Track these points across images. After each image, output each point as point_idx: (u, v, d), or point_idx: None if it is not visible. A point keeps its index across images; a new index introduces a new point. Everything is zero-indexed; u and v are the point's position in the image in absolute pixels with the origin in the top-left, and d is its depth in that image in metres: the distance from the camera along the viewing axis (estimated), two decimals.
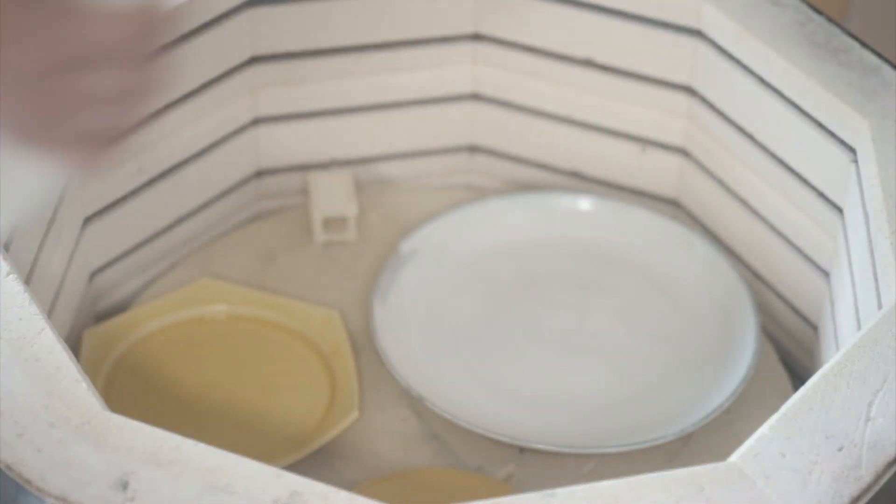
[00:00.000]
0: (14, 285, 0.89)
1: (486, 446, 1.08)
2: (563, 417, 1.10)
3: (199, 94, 1.17)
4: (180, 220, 1.21)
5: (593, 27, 1.19)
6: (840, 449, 0.80)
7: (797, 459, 0.80)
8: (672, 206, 1.25)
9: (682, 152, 1.22)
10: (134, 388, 1.09)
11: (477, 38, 1.24)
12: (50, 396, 0.82)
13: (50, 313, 1.04)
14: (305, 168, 1.27)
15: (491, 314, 1.17)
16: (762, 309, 1.19)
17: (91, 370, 1.07)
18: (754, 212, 1.17)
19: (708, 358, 1.14)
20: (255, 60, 1.20)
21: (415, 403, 1.11)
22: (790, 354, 1.18)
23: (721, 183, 1.20)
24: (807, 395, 0.83)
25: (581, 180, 1.27)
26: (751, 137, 1.15)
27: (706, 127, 1.19)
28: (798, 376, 1.17)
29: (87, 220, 1.13)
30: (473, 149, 1.30)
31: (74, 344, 1.11)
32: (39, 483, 0.77)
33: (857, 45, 1.10)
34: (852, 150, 1.05)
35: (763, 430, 0.81)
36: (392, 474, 1.06)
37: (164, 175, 1.18)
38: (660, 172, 1.24)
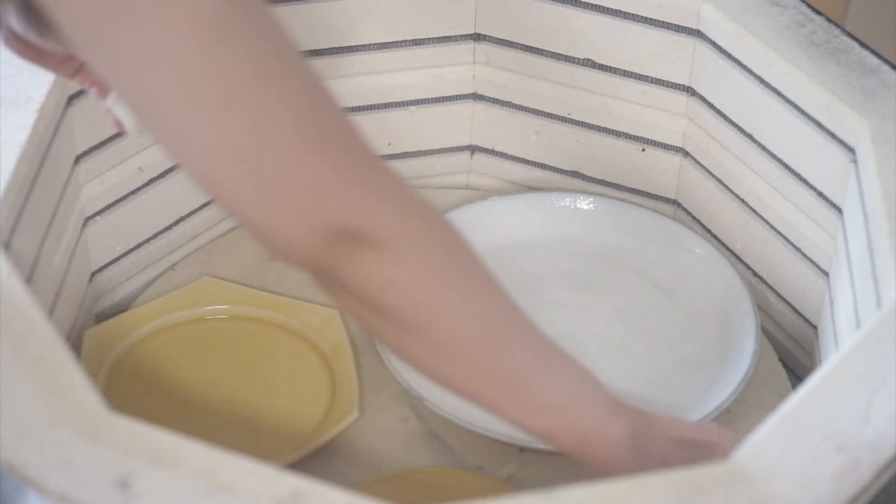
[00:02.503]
0: (15, 285, 0.89)
1: (486, 446, 1.08)
2: None
3: None
4: (180, 220, 1.21)
5: (593, 27, 1.19)
6: (840, 449, 0.80)
7: (797, 459, 0.80)
8: (672, 206, 1.25)
9: (682, 152, 1.22)
10: (134, 388, 1.09)
11: (477, 38, 1.24)
12: (50, 396, 0.82)
13: (50, 313, 1.04)
14: None
15: None
16: (762, 309, 1.19)
17: (91, 370, 1.07)
18: (754, 212, 1.17)
19: (708, 358, 1.14)
20: None
21: (415, 403, 1.11)
22: (790, 354, 1.18)
23: (721, 183, 1.20)
24: (807, 395, 0.83)
25: (581, 180, 1.27)
26: (750, 137, 1.15)
27: (706, 127, 1.19)
28: (798, 376, 1.17)
29: (88, 220, 1.13)
30: (473, 149, 1.30)
31: (75, 344, 1.11)
32: (40, 483, 0.77)
33: (856, 46, 1.10)
34: (851, 151, 1.05)
35: (763, 430, 0.81)
36: (392, 474, 1.06)
37: (164, 175, 1.18)
38: (660, 172, 1.24)
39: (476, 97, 1.27)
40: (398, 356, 0.88)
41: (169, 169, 1.18)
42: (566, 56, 1.22)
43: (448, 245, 0.84)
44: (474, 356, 0.86)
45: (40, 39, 0.86)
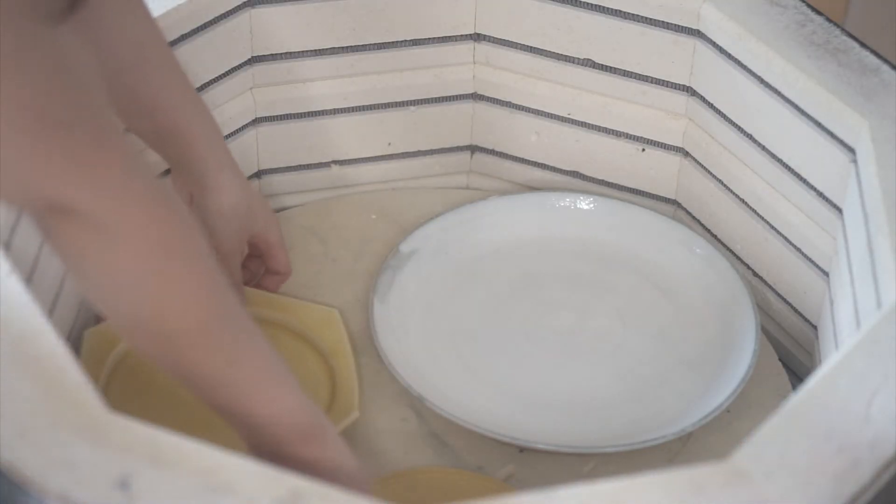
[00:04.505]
0: (15, 285, 0.89)
1: (486, 446, 1.08)
2: (563, 417, 1.10)
3: (199, 93, 1.17)
4: None
5: (593, 27, 1.19)
6: (840, 449, 0.80)
7: (797, 459, 0.80)
8: (672, 206, 1.25)
9: (682, 152, 1.22)
10: (134, 387, 1.09)
11: (477, 38, 1.24)
12: (50, 396, 0.82)
13: (50, 313, 1.03)
14: (305, 168, 1.27)
15: (491, 314, 1.17)
16: (762, 309, 1.19)
17: (91, 370, 1.07)
18: (754, 212, 1.17)
19: (708, 358, 1.14)
20: (255, 60, 1.20)
21: (415, 403, 1.11)
22: (790, 354, 1.18)
23: (721, 183, 1.20)
24: (807, 395, 0.83)
25: (581, 180, 1.27)
26: (751, 137, 1.15)
27: (706, 127, 1.19)
28: (798, 376, 1.17)
29: None
30: (473, 149, 1.30)
31: (75, 344, 1.11)
32: (39, 483, 0.77)
33: (856, 46, 1.10)
34: (852, 151, 1.05)
35: (763, 430, 0.81)
36: (392, 474, 1.06)
37: (163, 175, 1.18)
38: (660, 172, 1.24)
39: (476, 97, 1.27)
40: None
41: (169, 169, 1.18)
42: (566, 56, 1.22)
43: (164, 236, 0.87)
44: (167, 349, 0.89)
45: None
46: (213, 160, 1.10)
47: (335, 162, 1.27)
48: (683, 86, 1.19)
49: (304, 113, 1.24)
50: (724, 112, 1.17)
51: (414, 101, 1.26)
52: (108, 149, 0.84)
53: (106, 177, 0.83)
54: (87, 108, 0.83)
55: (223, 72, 1.19)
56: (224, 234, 1.12)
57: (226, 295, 0.90)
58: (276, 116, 1.23)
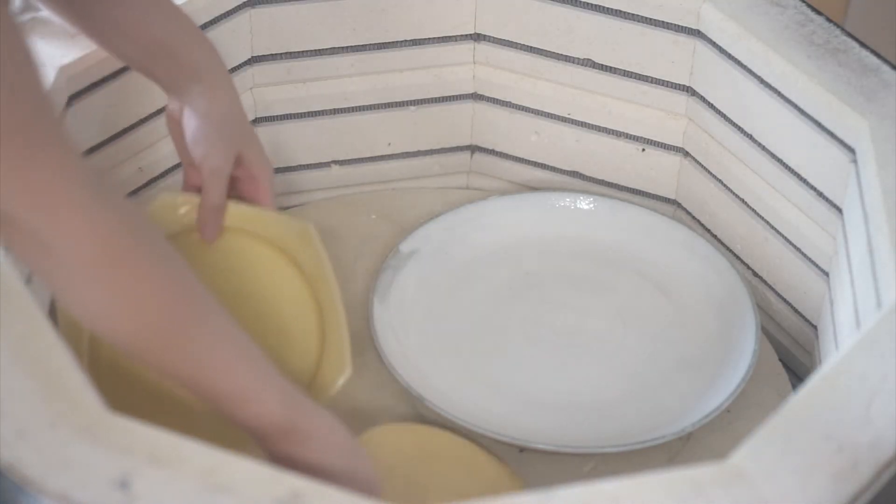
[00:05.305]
0: (15, 285, 0.89)
1: (486, 446, 1.08)
2: (563, 417, 1.10)
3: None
4: None
5: (593, 27, 1.19)
6: (839, 449, 0.80)
7: (797, 459, 0.80)
8: (672, 206, 1.25)
9: (682, 152, 1.22)
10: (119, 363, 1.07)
11: (477, 38, 1.24)
12: (50, 396, 0.82)
13: (50, 313, 1.03)
14: (305, 168, 1.27)
15: (491, 314, 1.17)
16: (762, 309, 1.19)
17: (72, 337, 1.04)
18: (754, 212, 1.17)
19: (708, 358, 1.14)
20: (255, 60, 1.20)
21: (415, 403, 1.11)
22: (790, 354, 1.18)
23: (721, 183, 1.20)
24: (807, 395, 0.83)
25: (581, 180, 1.27)
26: (750, 137, 1.15)
27: (706, 127, 1.20)
28: (798, 376, 1.17)
29: None
30: (473, 149, 1.30)
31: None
32: (39, 483, 0.77)
33: (856, 46, 1.10)
34: (851, 151, 1.05)
35: (763, 430, 0.81)
36: (377, 429, 1.04)
37: (164, 175, 1.18)
38: (660, 172, 1.24)
39: (476, 97, 1.27)
40: None
41: (169, 169, 1.18)
42: (566, 56, 1.22)
43: (105, 245, 0.85)
44: (130, 352, 0.89)
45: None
46: (206, 68, 1.06)
47: (335, 162, 1.27)
48: (683, 86, 1.19)
49: (304, 113, 1.24)
50: (724, 112, 1.17)
51: (414, 101, 1.26)
52: (45, 159, 0.82)
53: (41, 187, 0.82)
54: (29, 110, 0.81)
55: None
56: (210, 142, 1.06)
57: (188, 295, 0.88)
58: (276, 116, 1.23)
